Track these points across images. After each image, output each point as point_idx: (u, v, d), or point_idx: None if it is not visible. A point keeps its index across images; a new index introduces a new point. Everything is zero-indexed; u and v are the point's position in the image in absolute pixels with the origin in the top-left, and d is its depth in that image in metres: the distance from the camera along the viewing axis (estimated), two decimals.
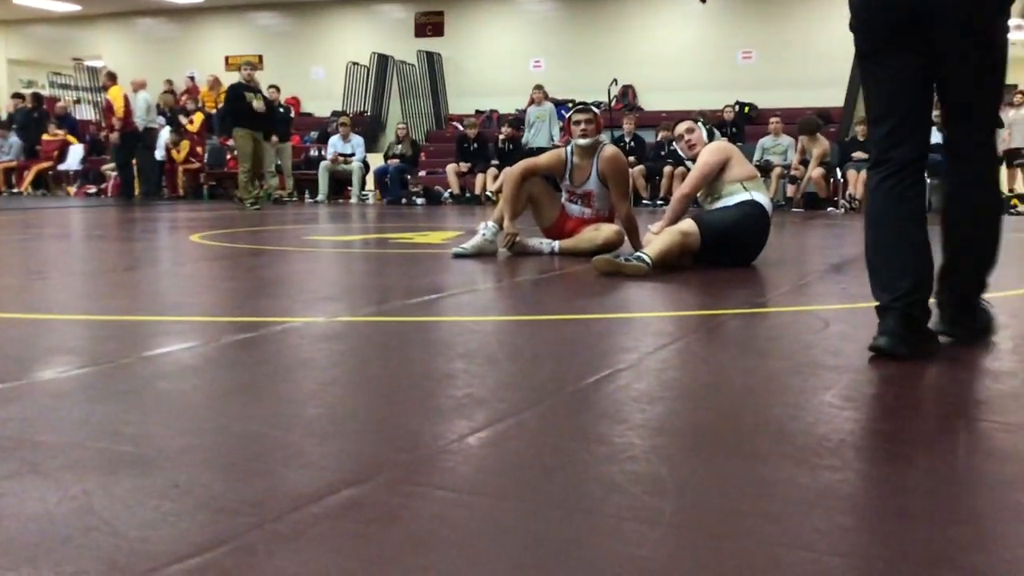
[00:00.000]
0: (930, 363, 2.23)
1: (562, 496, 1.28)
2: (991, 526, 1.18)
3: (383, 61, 14.46)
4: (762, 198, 4.33)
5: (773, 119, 11.26)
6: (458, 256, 4.57)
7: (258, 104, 10.29)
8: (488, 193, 11.73)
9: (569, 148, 4.88)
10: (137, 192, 12.41)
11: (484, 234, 4.67)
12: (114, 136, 11.71)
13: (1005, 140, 11.80)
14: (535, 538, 1.13)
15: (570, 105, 13.50)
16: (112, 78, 12.19)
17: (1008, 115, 12.04)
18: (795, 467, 1.41)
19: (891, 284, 2.19)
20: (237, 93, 10.42)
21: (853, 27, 2.32)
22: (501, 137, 12.20)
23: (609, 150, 4.81)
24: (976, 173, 2.33)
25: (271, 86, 12.09)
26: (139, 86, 12.26)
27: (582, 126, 4.74)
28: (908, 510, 1.24)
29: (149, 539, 1.11)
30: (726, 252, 4.18)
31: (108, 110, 11.94)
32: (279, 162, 12.16)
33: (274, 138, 11.19)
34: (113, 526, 1.15)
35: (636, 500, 1.25)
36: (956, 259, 2.36)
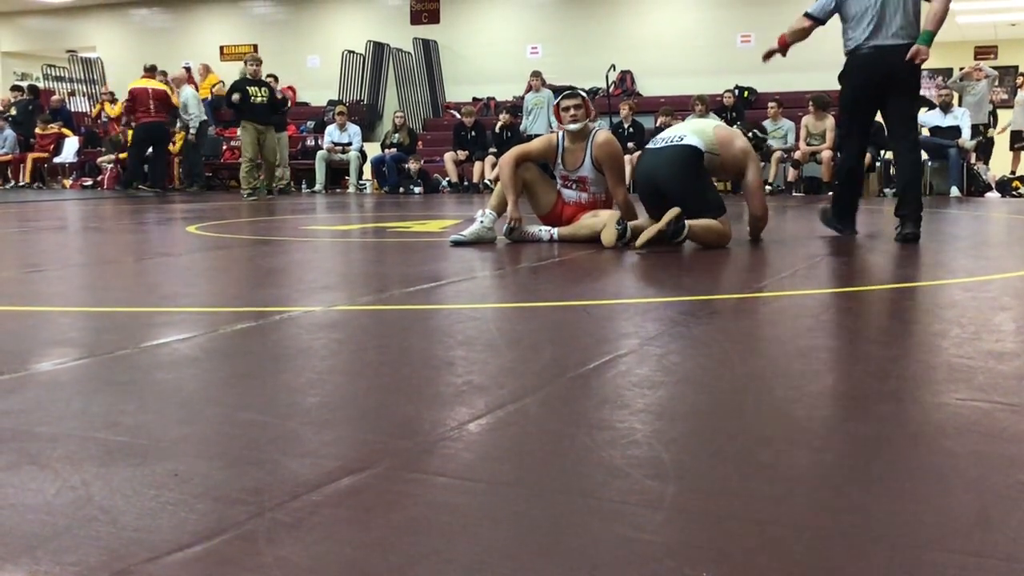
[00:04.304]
0: (934, 346, 2.23)
1: (563, 481, 1.27)
2: (994, 505, 1.18)
3: (379, 49, 14.40)
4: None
5: (771, 103, 11.23)
6: (456, 244, 4.55)
7: (259, 99, 10.46)
8: (486, 181, 11.70)
9: (561, 133, 4.86)
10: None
11: (482, 221, 4.66)
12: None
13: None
14: (536, 523, 1.13)
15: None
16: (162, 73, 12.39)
17: (1017, 98, 12.02)
18: (797, 450, 1.41)
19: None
20: (239, 87, 10.58)
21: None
22: (499, 124, 12.16)
23: (602, 135, 4.79)
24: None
25: (269, 75, 12.04)
26: (184, 81, 12.38)
27: (571, 112, 4.72)
28: (911, 491, 1.24)
29: (149, 528, 1.10)
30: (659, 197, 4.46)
31: (141, 101, 11.82)
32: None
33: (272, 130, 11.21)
34: (112, 516, 1.14)
35: (638, 484, 1.25)
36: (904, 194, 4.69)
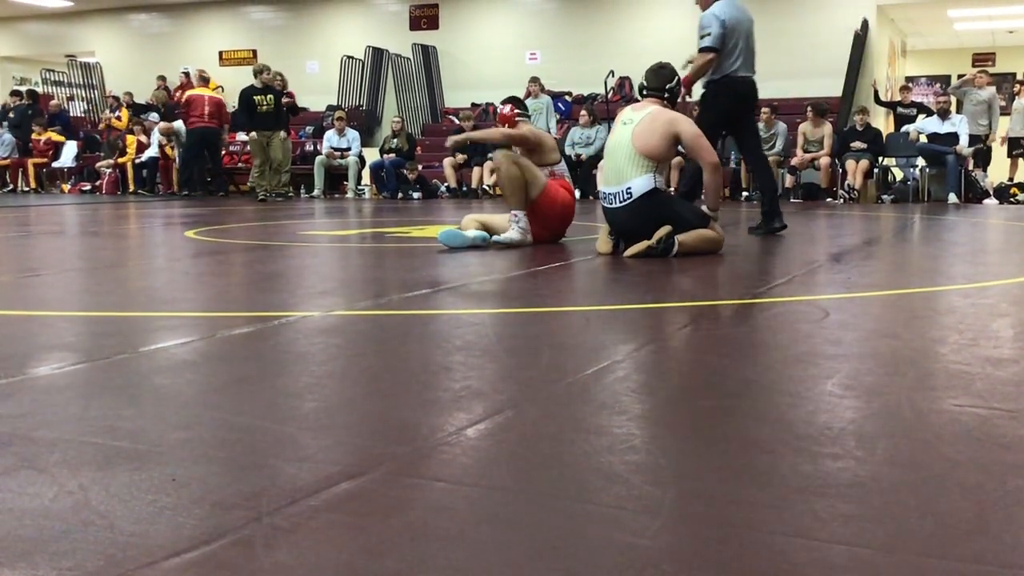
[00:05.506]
0: (933, 352, 2.23)
1: (561, 487, 1.27)
2: (992, 512, 1.18)
3: (378, 55, 14.40)
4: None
5: (764, 109, 11.21)
6: (446, 240, 4.61)
7: (266, 107, 10.77)
8: (485, 187, 11.71)
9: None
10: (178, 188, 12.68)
11: (472, 238, 4.75)
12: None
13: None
14: (534, 529, 1.13)
15: (567, 98, 13.53)
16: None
17: (1014, 104, 12.04)
18: (796, 456, 1.41)
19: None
20: (246, 96, 10.79)
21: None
22: None
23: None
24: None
25: (277, 73, 11.91)
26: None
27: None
28: (909, 498, 1.24)
29: (146, 533, 1.10)
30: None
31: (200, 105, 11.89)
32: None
33: (281, 133, 11.29)
34: (110, 521, 1.14)
35: (636, 490, 1.25)
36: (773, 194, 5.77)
